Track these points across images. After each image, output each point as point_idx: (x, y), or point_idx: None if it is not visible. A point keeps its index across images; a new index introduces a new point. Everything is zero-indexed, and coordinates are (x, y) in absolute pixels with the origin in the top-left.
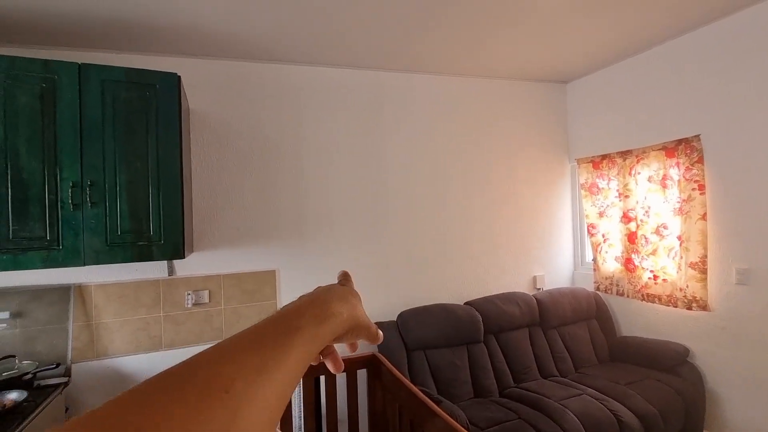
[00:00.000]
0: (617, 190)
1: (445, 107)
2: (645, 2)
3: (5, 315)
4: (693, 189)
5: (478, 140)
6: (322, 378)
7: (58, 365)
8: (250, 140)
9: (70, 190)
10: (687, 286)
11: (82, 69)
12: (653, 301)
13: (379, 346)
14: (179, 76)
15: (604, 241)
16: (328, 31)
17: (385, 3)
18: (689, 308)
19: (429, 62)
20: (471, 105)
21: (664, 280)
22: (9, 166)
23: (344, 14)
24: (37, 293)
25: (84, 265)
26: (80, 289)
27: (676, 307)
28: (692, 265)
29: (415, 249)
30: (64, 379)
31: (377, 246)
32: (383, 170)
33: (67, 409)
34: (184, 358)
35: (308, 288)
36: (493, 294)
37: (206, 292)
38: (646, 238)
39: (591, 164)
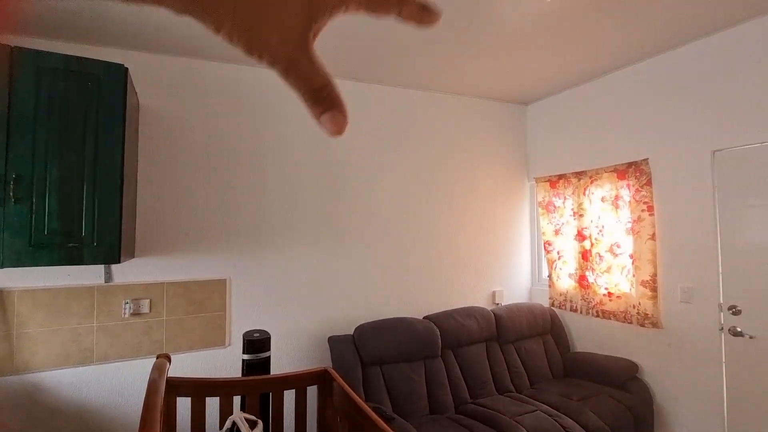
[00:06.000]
0: (572, 209)
1: (408, 120)
2: (603, 31)
3: None
4: (643, 210)
5: (442, 156)
6: (271, 395)
7: None
8: (205, 140)
9: None
10: (640, 303)
11: (14, 52)
12: (608, 318)
13: (333, 361)
14: (126, 68)
15: (559, 258)
16: None
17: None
18: (642, 325)
19: (393, 75)
20: (436, 119)
21: (618, 296)
22: None
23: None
24: None
25: (2, 267)
26: (1, 295)
27: (630, 323)
28: (644, 283)
29: (376, 261)
30: None
31: (336, 257)
32: (345, 181)
33: None
34: (117, 373)
35: (261, 299)
36: (453, 308)
37: (147, 301)
38: (600, 256)
39: (548, 183)
